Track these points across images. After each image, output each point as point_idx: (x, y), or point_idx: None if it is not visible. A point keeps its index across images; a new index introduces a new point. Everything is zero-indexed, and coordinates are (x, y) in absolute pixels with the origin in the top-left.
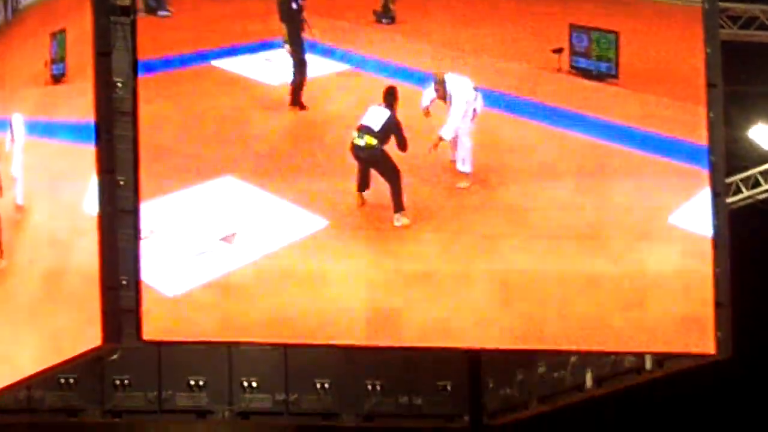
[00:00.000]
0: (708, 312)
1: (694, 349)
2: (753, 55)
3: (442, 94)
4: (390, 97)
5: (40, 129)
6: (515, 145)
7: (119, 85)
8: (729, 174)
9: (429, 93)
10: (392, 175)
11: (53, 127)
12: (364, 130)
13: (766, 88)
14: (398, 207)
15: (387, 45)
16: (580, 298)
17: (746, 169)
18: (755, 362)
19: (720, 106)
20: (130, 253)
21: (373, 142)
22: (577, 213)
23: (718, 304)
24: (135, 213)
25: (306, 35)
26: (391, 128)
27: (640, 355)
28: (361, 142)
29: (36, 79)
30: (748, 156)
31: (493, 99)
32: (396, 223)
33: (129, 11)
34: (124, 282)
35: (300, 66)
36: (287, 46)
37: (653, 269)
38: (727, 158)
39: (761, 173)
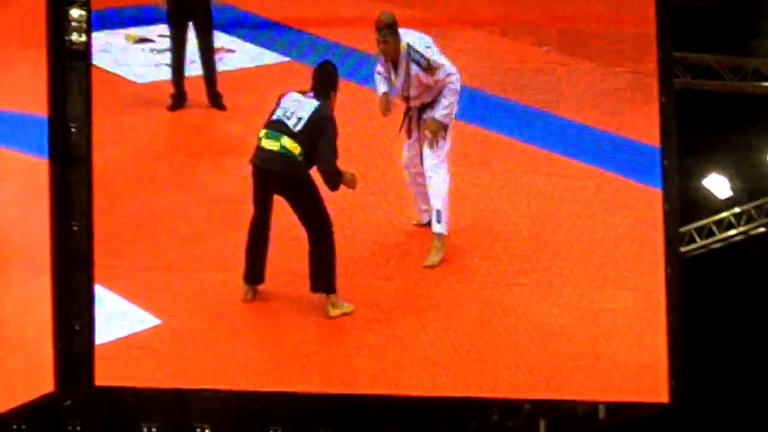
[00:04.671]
0: (661, 361)
1: (648, 398)
2: (709, 104)
3: (392, 50)
4: (323, 80)
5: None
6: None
7: (73, 130)
8: (683, 223)
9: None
10: (318, 218)
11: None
12: (277, 127)
13: (721, 138)
14: (327, 286)
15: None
16: (532, 346)
17: (701, 218)
18: (708, 410)
19: (674, 155)
20: (83, 299)
21: (296, 148)
22: (530, 260)
23: (671, 353)
24: (89, 258)
25: None
26: (320, 130)
27: (593, 404)
28: (272, 145)
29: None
30: (703, 205)
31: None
32: (331, 314)
33: (83, 55)
34: (77, 328)
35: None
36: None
37: (606, 317)
38: (681, 207)
39: (715, 223)
